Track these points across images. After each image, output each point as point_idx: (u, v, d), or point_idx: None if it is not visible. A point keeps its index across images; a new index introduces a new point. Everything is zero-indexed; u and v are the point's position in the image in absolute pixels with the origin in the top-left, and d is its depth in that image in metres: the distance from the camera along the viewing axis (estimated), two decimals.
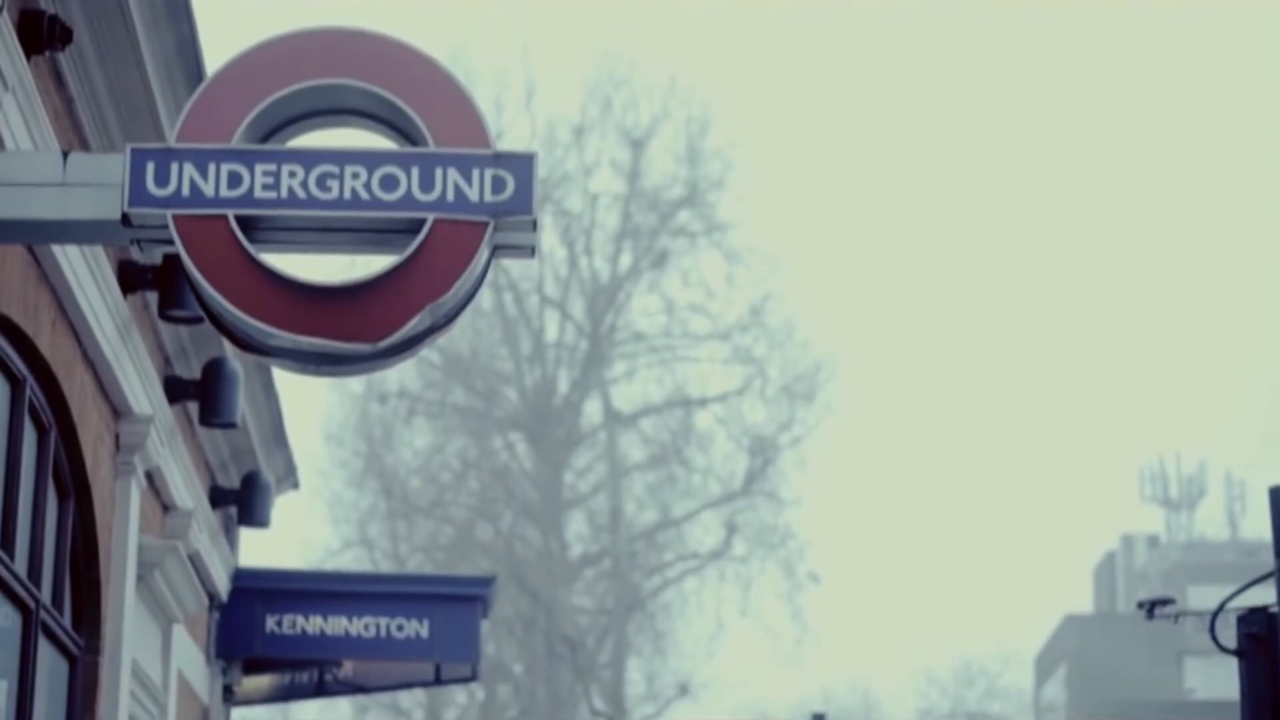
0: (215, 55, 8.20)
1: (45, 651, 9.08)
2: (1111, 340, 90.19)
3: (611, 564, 41.57)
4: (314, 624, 14.87)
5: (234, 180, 6.73)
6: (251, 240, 6.72)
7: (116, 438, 10.22)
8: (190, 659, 13.46)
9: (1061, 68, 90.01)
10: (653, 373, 42.93)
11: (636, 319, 43.17)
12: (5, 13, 6.98)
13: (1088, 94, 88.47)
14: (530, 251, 6.94)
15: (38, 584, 8.83)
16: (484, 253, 6.76)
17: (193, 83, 8.95)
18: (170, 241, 6.73)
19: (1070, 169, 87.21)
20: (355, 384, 40.20)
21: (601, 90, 43.54)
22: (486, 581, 16.07)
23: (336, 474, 42.44)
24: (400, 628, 14.91)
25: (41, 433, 8.98)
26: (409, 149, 6.90)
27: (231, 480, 14.35)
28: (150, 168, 6.75)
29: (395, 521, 42.02)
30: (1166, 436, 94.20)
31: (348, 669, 16.22)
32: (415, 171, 6.77)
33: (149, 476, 11.06)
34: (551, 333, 42.99)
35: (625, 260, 42.77)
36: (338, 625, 14.88)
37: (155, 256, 9.93)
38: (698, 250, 42.84)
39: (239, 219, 6.71)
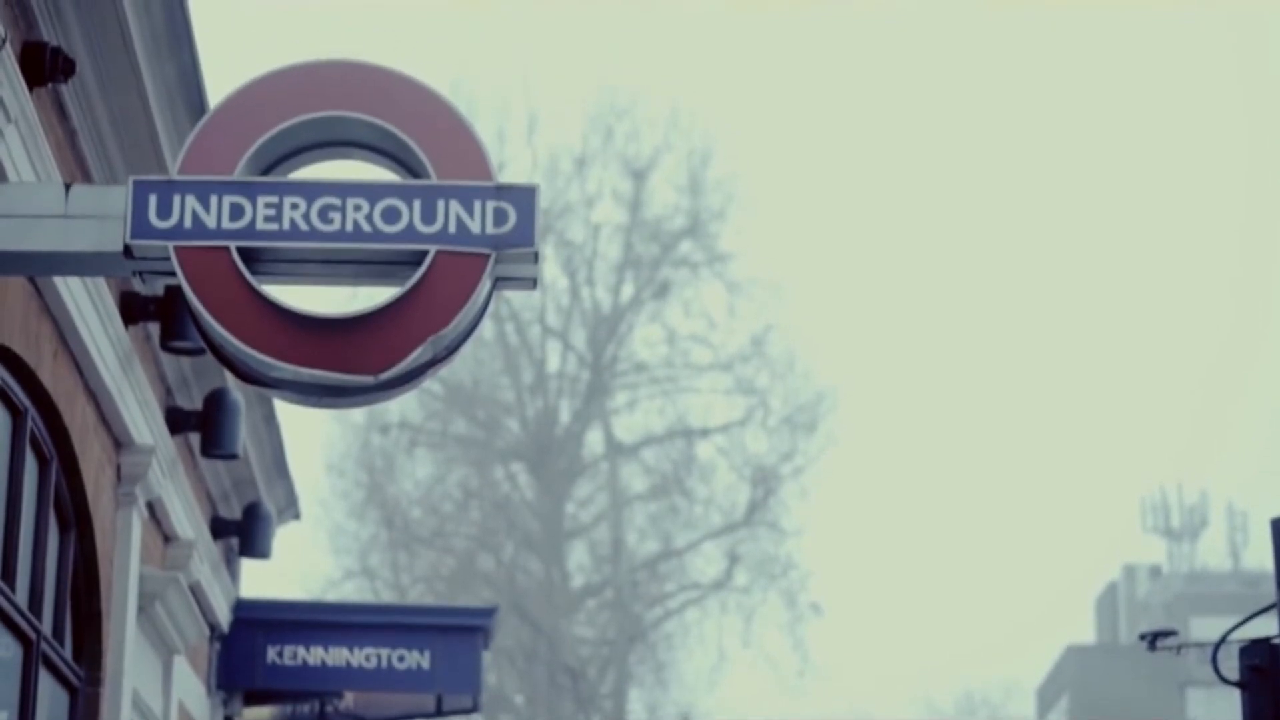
0: (217, 88, 8.24)
1: (46, 683, 9.07)
2: (1113, 370, 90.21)
3: (613, 594, 41.50)
4: (315, 655, 14.86)
5: (236, 212, 6.74)
6: (253, 272, 6.73)
7: (118, 469, 10.22)
8: (191, 690, 13.45)
9: (1062, 98, 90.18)
10: (654, 403, 42.93)
11: (638, 349, 43.19)
12: (8, 45, 6.99)
13: (1086, 125, 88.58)
14: (532, 283, 6.95)
15: (38, 615, 8.83)
16: (485, 285, 6.76)
17: (195, 115, 8.97)
18: (172, 273, 6.74)
19: (1072, 198, 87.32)
20: (357, 414, 40.18)
21: (603, 121, 43.62)
22: (488, 612, 16.05)
23: (338, 504, 42.40)
24: (401, 659, 14.90)
25: (43, 463, 8.98)
26: (411, 181, 6.91)
27: (233, 511, 14.35)
28: (152, 200, 6.76)
29: (396, 552, 41.96)
30: (1168, 467, 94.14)
31: (349, 700, 16.19)
32: (417, 204, 6.78)
33: (150, 507, 11.05)
34: (553, 363, 43.01)
35: (627, 291, 42.81)
36: (339, 656, 14.86)
37: (157, 288, 9.95)
38: (699, 281, 42.89)
39: (241, 251, 6.72)
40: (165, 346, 10.36)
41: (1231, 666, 10.18)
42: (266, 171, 6.97)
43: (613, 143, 43.47)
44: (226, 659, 14.82)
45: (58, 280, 8.26)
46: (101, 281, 9.01)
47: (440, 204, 6.79)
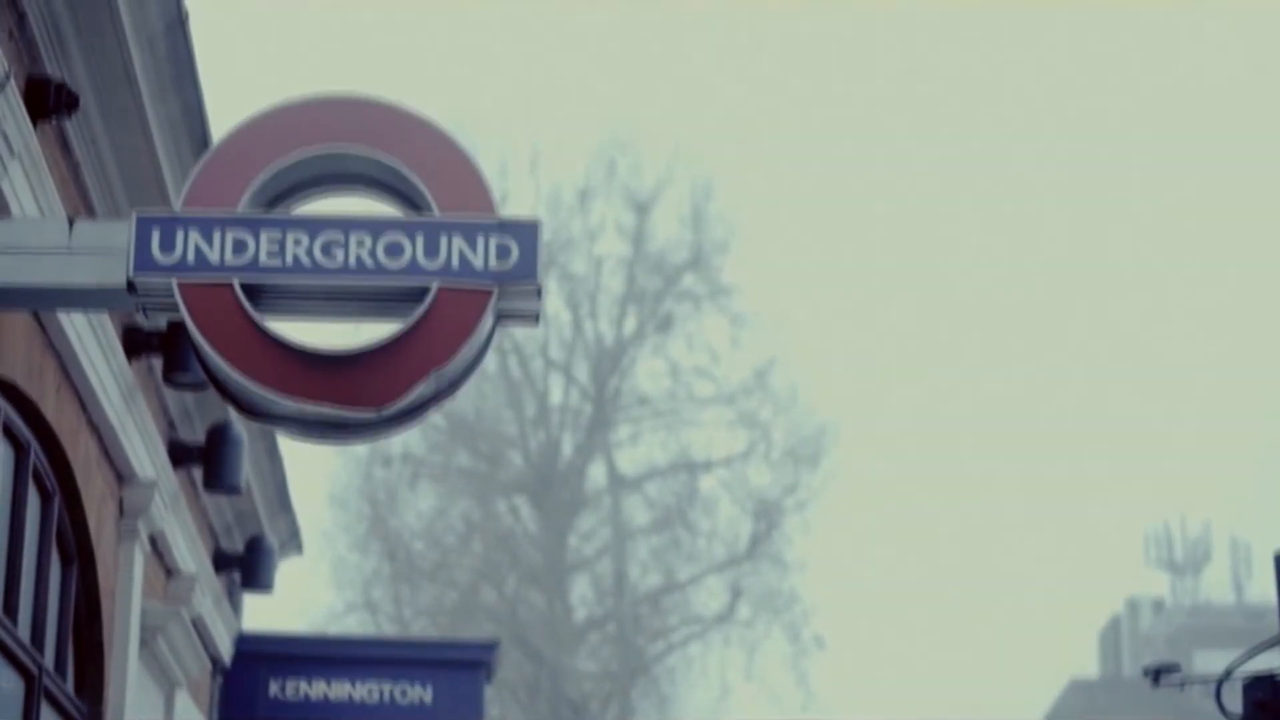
0: (221, 122, 8.24)
1: (48, 717, 9.06)
2: (1116, 403, 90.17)
3: (616, 628, 41.43)
4: (317, 689, 14.84)
5: (239, 247, 6.74)
6: (256, 307, 6.74)
7: (120, 502, 10.22)
8: None
9: (1063, 122, 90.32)
10: (657, 436, 42.87)
11: (641, 382, 43.15)
12: (11, 80, 7.01)
13: (1088, 153, 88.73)
14: (534, 318, 6.95)
15: (40, 649, 8.82)
16: (488, 320, 6.77)
17: (198, 150, 8.98)
18: (175, 308, 6.75)
19: (1075, 229, 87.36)
20: (359, 447, 40.16)
21: (606, 154, 43.66)
22: (490, 646, 16.03)
23: (340, 537, 42.33)
24: (404, 692, 14.88)
25: (45, 498, 8.98)
26: (413, 216, 6.91)
27: (235, 544, 14.34)
28: (155, 234, 6.76)
29: (399, 585, 41.90)
30: (1171, 500, 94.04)
31: None
32: (420, 239, 6.79)
33: (152, 541, 11.05)
34: (556, 396, 42.97)
35: (630, 324, 42.80)
36: (341, 690, 14.84)
37: (160, 322, 9.96)
38: (702, 314, 42.87)
39: (244, 286, 6.73)
40: (168, 381, 10.36)
41: (1235, 701, 10.16)
42: (270, 206, 6.98)
43: (615, 176, 43.53)
44: (228, 693, 14.80)
45: (61, 315, 8.27)
46: (104, 316, 9.02)
47: (443, 239, 6.80)
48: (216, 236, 6.76)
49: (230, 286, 6.72)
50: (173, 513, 11.30)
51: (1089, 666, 70.46)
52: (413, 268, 6.76)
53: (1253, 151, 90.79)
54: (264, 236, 6.77)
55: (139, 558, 10.46)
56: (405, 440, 40.79)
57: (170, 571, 11.92)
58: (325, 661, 15.02)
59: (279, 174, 6.93)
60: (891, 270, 77.79)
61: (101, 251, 6.79)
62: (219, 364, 6.68)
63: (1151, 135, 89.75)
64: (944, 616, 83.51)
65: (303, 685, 14.84)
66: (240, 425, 11.86)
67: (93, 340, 8.88)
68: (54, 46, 7.87)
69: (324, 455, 43.27)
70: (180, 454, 11.64)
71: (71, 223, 6.87)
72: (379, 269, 6.76)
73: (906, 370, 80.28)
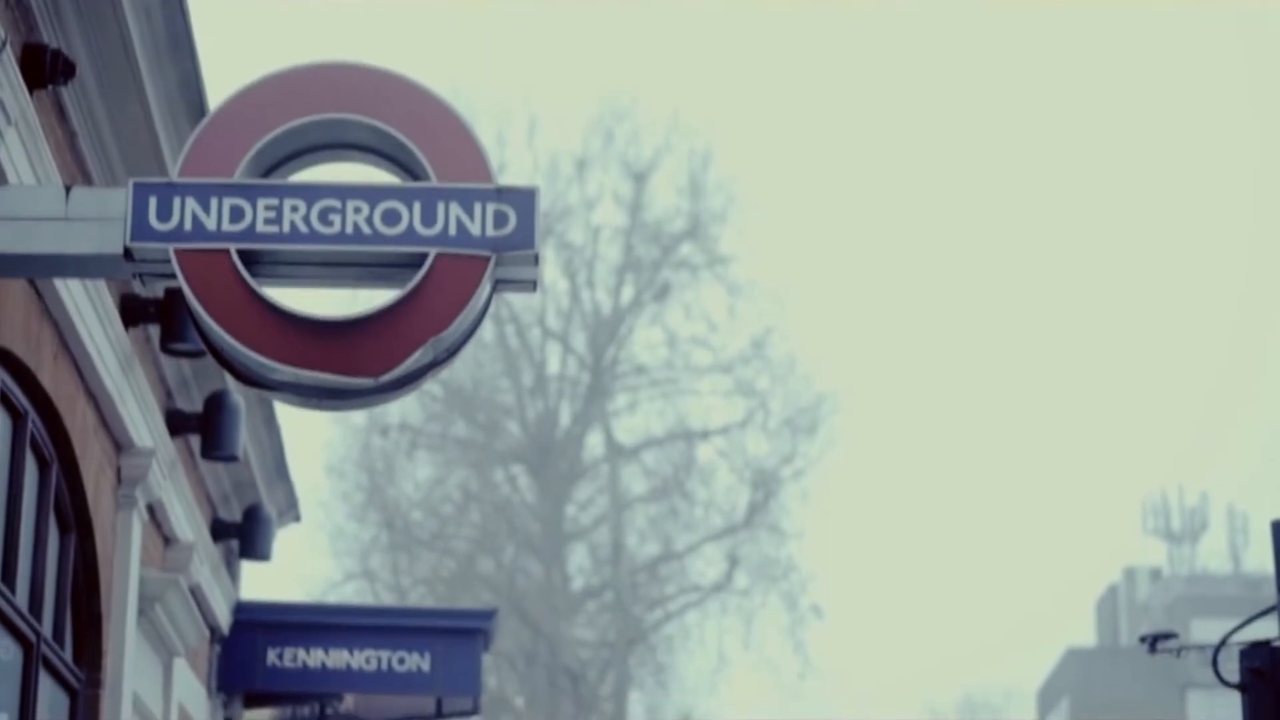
0: (218, 90, 8.23)
1: (46, 685, 9.07)
2: (1114, 373, 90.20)
3: (613, 597, 41.49)
4: (315, 657, 14.86)
5: (236, 214, 6.73)
6: (253, 274, 6.73)
7: (118, 471, 10.22)
8: (191, 692, 13.44)
9: (1063, 99, 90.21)
10: (654, 405, 42.92)
11: (638, 352, 43.19)
12: (8, 47, 6.99)
13: (1088, 126, 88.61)
14: (532, 286, 6.94)
15: (39, 617, 8.83)
16: (486, 287, 6.76)
17: (195, 117, 8.97)
18: (172, 275, 6.74)
19: (1073, 200, 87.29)
20: (357, 416, 40.18)
21: (604, 123, 43.62)
22: (488, 614, 16.05)
23: (338, 506, 42.38)
24: (401, 661, 14.89)
25: (43, 466, 8.98)
26: (411, 184, 6.90)
27: (233, 513, 14.34)
28: (152, 202, 6.75)
29: (397, 554, 41.97)
30: (1168, 469, 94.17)
31: (349, 702, 16.19)
32: (417, 206, 6.78)
33: (150, 510, 11.05)
34: (553, 365, 43.01)
35: (627, 293, 42.81)
36: (339, 658, 14.86)
37: (157, 290, 9.95)
38: (700, 283, 42.88)
39: (241, 253, 6.72)
40: (165, 349, 10.36)
41: (1232, 669, 10.18)
42: (267, 174, 6.97)
43: (613, 145, 43.50)
44: (227, 661, 14.82)
45: (58, 282, 8.26)
46: (101, 284, 9.01)
47: (440, 206, 6.78)
48: (213, 204, 6.75)
49: (227, 254, 6.71)
50: (170, 481, 11.30)
51: (1086, 635, 70.68)
52: (410, 235, 6.75)
53: (1255, 132, 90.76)
54: (261, 204, 6.76)
55: (137, 526, 10.46)
56: (403, 410, 40.83)
57: (168, 540, 11.93)
58: (323, 630, 15.04)
59: (276, 141, 6.92)
60: (888, 239, 77.78)
61: (98, 219, 6.78)
62: (216, 331, 6.68)
63: (1147, 116, 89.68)
64: (941, 585, 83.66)
65: (301, 654, 14.86)
66: (238, 393, 11.86)
67: (90, 308, 8.87)
68: (50, 14, 7.85)
69: (322, 424, 43.33)
70: (178, 422, 11.64)
71: (68, 190, 6.86)
72: (376, 236, 6.75)
73: (904, 340, 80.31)
